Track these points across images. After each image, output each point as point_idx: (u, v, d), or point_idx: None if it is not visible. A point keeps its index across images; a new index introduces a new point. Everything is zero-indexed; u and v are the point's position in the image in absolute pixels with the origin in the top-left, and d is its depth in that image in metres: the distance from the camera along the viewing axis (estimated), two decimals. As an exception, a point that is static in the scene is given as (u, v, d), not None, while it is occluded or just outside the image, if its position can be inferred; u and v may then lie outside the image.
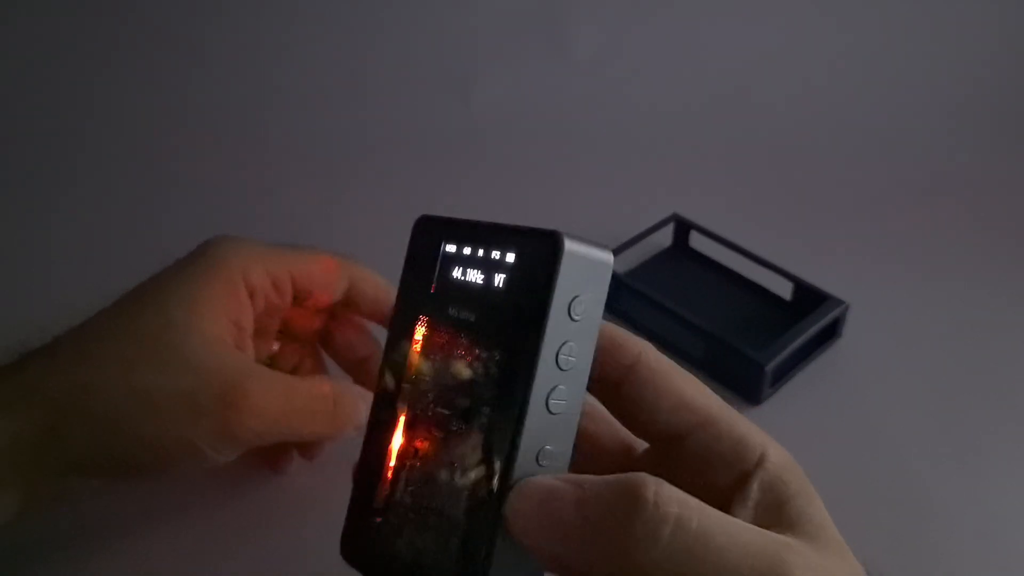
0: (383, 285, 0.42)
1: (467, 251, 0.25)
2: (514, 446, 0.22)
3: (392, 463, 0.25)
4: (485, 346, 0.23)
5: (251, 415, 0.35)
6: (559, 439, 0.23)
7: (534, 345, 0.22)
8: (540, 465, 0.23)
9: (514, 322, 0.23)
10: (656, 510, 0.20)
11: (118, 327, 0.36)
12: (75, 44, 0.79)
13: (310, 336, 0.45)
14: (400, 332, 0.26)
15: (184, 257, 0.38)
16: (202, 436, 0.35)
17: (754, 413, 0.49)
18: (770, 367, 0.48)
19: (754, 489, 0.24)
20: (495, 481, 0.22)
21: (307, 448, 0.44)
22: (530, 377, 0.22)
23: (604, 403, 0.27)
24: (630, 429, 0.27)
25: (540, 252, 0.23)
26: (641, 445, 0.29)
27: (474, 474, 0.23)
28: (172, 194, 0.70)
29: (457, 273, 0.25)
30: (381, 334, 0.45)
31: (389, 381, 0.25)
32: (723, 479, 0.25)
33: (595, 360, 0.24)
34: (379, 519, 0.25)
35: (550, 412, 0.23)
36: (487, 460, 0.22)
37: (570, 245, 0.23)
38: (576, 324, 0.23)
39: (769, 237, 0.62)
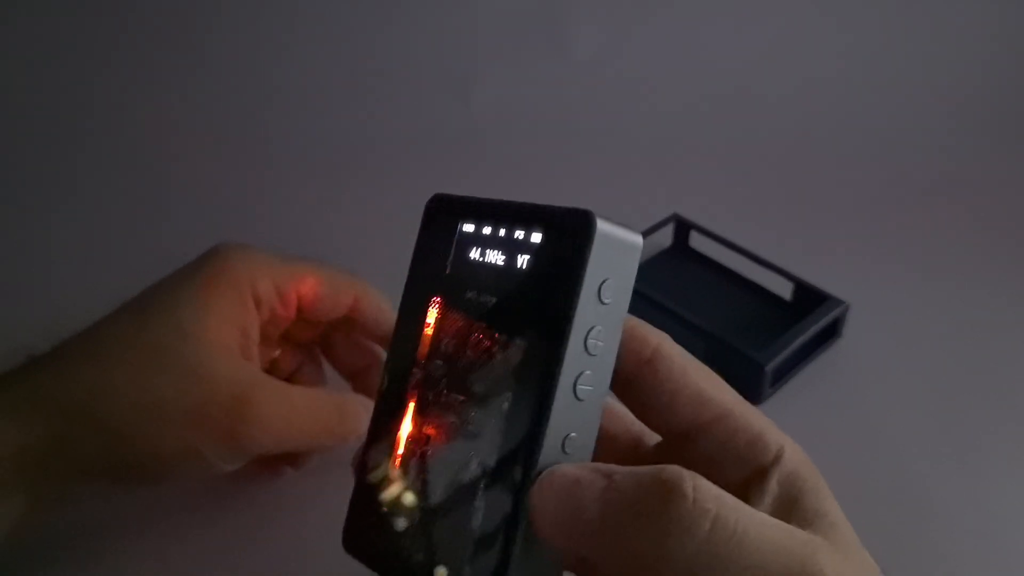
0: (385, 305, 0.42)
1: (487, 231, 0.23)
2: (540, 432, 0.21)
3: (400, 451, 0.24)
4: (506, 329, 0.22)
5: (257, 427, 0.35)
6: (584, 427, 0.22)
7: (563, 328, 0.21)
8: (565, 453, 0.22)
9: (540, 304, 0.22)
10: (694, 506, 0.19)
11: (128, 335, 0.35)
12: (75, 44, 0.79)
13: (311, 342, 0.45)
14: (410, 316, 0.24)
15: (191, 263, 0.38)
16: (208, 446, 0.35)
17: (754, 413, 0.49)
18: (770, 367, 0.48)
19: (772, 484, 0.24)
20: (518, 469, 0.21)
21: (295, 456, 0.44)
22: (559, 361, 0.21)
23: (619, 395, 0.26)
24: (645, 422, 0.27)
25: (571, 231, 0.21)
26: (651, 438, 0.28)
27: (494, 462, 0.22)
28: (172, 194, 0.70)
29: (475, 254, 0.24)
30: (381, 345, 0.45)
31: (397, 366, 0.24)
32: (737, 474, 0.24)
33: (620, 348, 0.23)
34: (385, 509, 0.23)
35: (577, 398, 0.22)
36: (509, 447, 0.21)
37: (602, 225, 0.21)
38: (605, 308, 0.22)
39: (769, 237, 0.62)
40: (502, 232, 0.23)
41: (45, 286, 0.58)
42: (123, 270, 0.38)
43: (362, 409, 0.39)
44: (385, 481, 0.24)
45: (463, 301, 0.23)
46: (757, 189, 0.73)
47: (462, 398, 0.23)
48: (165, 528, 0.42)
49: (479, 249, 0.24)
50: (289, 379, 0.44)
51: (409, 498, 0.23)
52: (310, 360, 0.46)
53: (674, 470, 0.20)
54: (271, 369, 0.43)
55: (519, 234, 0.23)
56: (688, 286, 0.59)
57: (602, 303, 0.22)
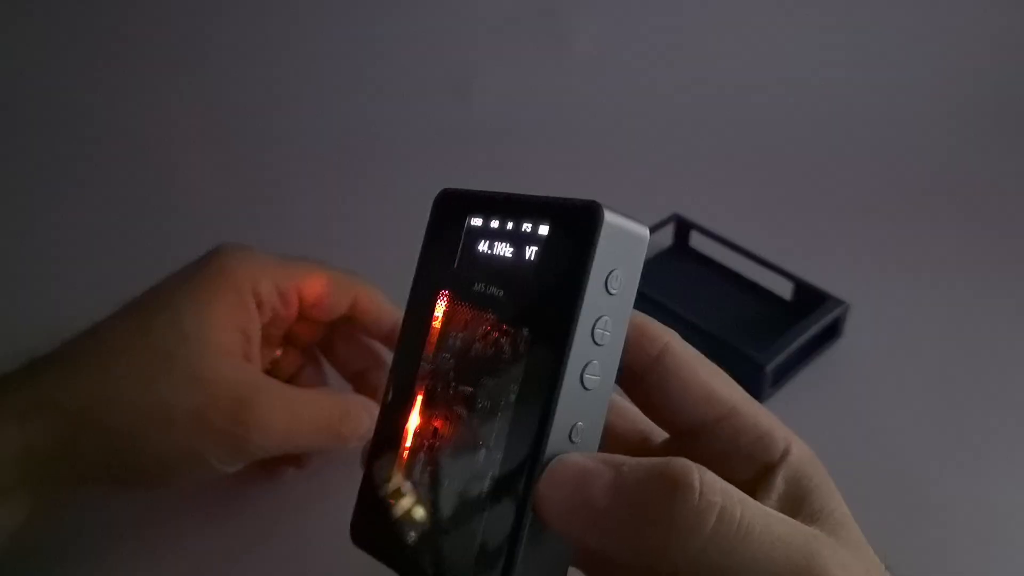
0: (386, 304, 0.43)
1: (495, 224, 0.24)
2: (547, 421, 0.21)
3: (408, 444, 0.24)
4: (515, 321, 0.22)
5: (259, 429, 0.35)
6: (592, 417, 0.22)
7: (570, 316, 0.21)
8: (572, 442, 0.22)
9: (548, 294, 0.22)
10: (701, 499, 0.20)
11: (129, 338, 0.36)
12: (76, 45, 0.79)
13: (312, 343, 0.45)
14: (418, 311, 0.25)
15: (192, 265, 0.38)
16: (211, 450, 0.35)
17: (754, 413, 0.49)
18: (770, 367, 0.48)
19: (779, 482, 0.24)
20: (525, 458, 0.21)
21: (297, 457, 0.44)
22: (566, 349, 0.21)
23: (627, 392, 0.26)
24: (652, 419, 0.27)
25: (578, 222, 0.22)
26: (658, 435, 0.28)
27: (502, 452, 0.22)
28: (172, 194, 0.70)
29: (483, 247, 0.24)
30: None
31: (405, 360, 0.25)
32: (744, 471, 0.25)
33: (627, 341, 0.23)
34: (393, 501, 0.24)
35: (584, 388, 0.22)
36: (517, 437, 0.21)
37: (610, 216, 0.22)
38: (612, 298, 0.22)
39: (769, 237, 0.62)
40: (510, 225, 0.23)
41: (47, 287, 0.58)
42: (124, 271, 0.38)
43: (363, 410, 0.39)
44: (392, 474, 0.24)
45: (471, 294, 0.24)
46: (757, 189, 0.73)
47: (470, 390, 0.23)
48: (167, 530, 0.42)
49: (487, 242, 0.24)
50: (290, 380, 0.44)
51: (415, 491, 0.23)
52: (311, 361, 0.46)
53: (681, 463, 0.20)
54: (272, 370, 0.43)
55: (527, 227, 0.23)
56: (688, 286, 0.59)
57: (609, 293, 0.22)
